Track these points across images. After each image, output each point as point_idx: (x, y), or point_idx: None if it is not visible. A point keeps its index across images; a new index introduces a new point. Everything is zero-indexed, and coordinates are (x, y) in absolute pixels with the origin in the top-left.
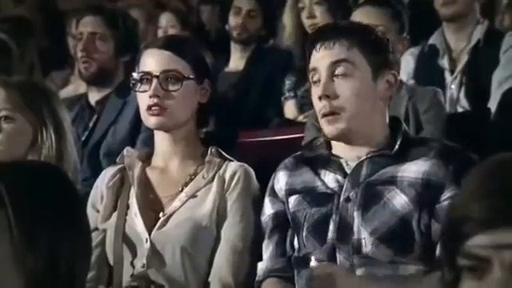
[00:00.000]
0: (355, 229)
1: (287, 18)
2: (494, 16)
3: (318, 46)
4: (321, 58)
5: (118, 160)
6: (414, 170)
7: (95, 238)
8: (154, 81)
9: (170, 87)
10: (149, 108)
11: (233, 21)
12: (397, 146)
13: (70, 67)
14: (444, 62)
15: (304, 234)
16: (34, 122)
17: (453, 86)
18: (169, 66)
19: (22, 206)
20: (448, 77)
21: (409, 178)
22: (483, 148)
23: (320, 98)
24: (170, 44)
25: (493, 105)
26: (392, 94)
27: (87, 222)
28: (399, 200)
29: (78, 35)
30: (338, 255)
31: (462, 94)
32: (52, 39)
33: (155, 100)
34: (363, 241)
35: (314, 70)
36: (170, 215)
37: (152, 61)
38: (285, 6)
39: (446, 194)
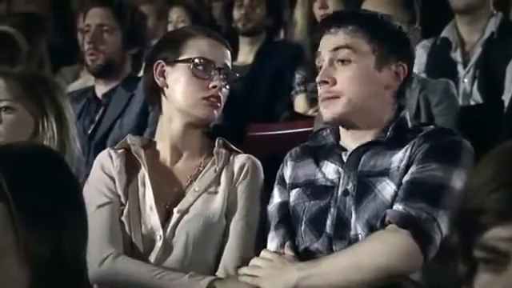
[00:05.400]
0: (352, 224)
1: (299, 14)
2: (507, 8)
3: (325, 32)
4: (325, 44)
5: (117, 146)
6: (400, 157)
7: (110, 210)
8: (215, 72)
9: (226, 84)
10: (208, 98)
11: (237, 13)
12: (388, 133)
13: (80, 63)
14: (457, 55)
15: (302, 228)
16: (35, 112)
17: (466, 80)
18: (228, 62)
19: (23, 197)
20: (461, 70)
21: (396, 167)
22: (496, 141)
23: (320, 84)
24: (225, 41)
25: (506, 97)
26: (399, 84)
27: (84, 205)
28: (389, 190)
29: (86, 27)
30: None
31: (475, 88)
32: (63, 36)
33: (219, 93)
34: (360, 236)
35: (319, 55)
36: (184, 211)
37: (215, 52)
38: (296, 2)
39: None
